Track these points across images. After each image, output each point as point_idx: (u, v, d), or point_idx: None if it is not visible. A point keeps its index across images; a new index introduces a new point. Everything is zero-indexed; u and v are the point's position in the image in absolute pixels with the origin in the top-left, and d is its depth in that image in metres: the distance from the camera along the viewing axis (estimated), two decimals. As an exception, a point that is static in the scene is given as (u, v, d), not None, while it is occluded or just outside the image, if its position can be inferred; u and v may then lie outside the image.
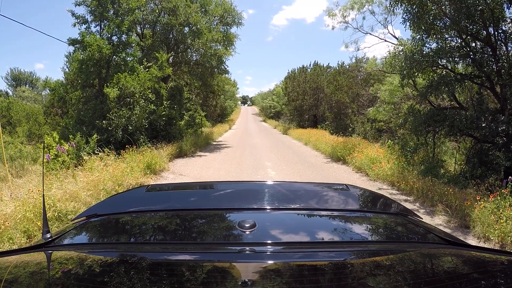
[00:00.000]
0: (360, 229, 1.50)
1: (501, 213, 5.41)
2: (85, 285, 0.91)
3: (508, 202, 5.59)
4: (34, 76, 39.82)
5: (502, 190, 5.84)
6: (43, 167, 2.30)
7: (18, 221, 4.81)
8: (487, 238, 5.41)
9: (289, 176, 10.38)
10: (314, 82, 30.18)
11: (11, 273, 0.98)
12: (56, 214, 5.32)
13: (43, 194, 1.85)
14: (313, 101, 30.15)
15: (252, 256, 1.09)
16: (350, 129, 21.07)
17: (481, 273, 1.03)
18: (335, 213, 1.61)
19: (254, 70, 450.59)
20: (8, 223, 4.59)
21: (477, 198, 6.04)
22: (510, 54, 8.07)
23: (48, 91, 36.31)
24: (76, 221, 1.56)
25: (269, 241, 1.21)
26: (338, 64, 29.48)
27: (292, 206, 1.70)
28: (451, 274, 1.00)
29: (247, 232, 1.22)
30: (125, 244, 1.27)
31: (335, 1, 28.91)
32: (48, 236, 1.34)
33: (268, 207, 1.62)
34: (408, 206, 6.68)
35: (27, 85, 37.59)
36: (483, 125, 8.13)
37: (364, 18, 17.74)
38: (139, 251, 1.18)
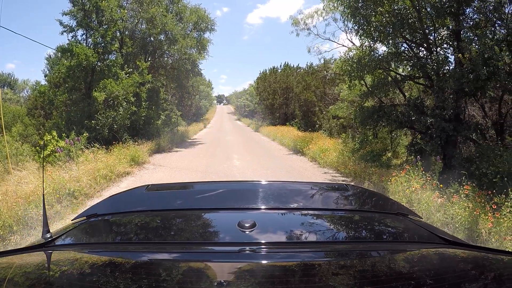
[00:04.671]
0: (360, 229, 1.50)
1: (407, 184, 7.23)
2: (85, 285, 0.91)
3: (413, 176, 7.47)
4: (12, 78, 39.89)
5: (406, 166, 7.80)
6: (43, 168, 2.32)
7: (41, 194, 6.46)
8: (398, 204, 7.31)
9: (251, 165, 12.32)
10: (284, 82, 31.65)
11: (11, 273, 0.98)
12: (67, 191, 7.01)
13: (43, 194, 1.89)
14: (283, 100, 31.59)
15: (252, 256, 1.09)
16: (317, 125, 22.44)
17: (481, 273, 1.03)
18: (336, 213, 1.62)
19: (229, 69, 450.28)
20: (36, 195, 6.24)
21: (393, 174, 7.92)
22: (439, 57, 9.64)
23: (26, 92, 36.75)
24: (76, 221, 1.54)
25: (269, 241, 1.20)
26: (307, 65, 31.07)
27: (293, 206, 1.71)
28: (451, 274, 1.00)
29: (247, 232, 1.21)
30: (125, 244, 1.27)
31: (299, 9, 30.46)
32: (48, 236, 1.34)
33: (268, 207, 1.61)
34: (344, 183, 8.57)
35: (5, 87, 37.64)
36: (412, 118, 10.06)
37: (327, 24, 19.29)
38: (139, 251, 1.19)
